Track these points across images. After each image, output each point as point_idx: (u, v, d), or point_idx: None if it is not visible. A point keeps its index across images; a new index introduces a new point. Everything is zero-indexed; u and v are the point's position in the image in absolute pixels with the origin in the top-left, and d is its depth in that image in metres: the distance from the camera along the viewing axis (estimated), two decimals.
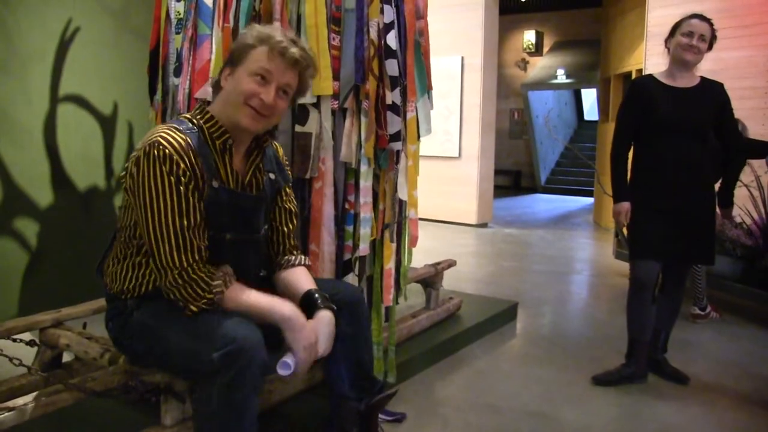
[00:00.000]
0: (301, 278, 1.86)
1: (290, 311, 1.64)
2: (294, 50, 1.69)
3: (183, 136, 1.64)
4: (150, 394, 2.06)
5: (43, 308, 2.48)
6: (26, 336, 2.35)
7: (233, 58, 1.72)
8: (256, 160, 1.82)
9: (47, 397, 1.83)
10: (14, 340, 2.28)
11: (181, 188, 1.60)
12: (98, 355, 2.06)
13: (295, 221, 1.98)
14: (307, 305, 1.75)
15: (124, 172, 1.68)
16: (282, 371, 1.60)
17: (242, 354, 1.50)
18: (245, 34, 1.74)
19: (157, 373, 1.85)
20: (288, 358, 1.61)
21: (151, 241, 1.59)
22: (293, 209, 1.98)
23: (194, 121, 1.72)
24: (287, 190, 1.97)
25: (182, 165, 1.60)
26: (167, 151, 1.59)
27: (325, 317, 1.72)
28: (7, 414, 1.71)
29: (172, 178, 1.59)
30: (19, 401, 1.80)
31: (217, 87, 1.77)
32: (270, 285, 1.90)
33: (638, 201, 2.82)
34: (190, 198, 1.61)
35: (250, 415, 1.56)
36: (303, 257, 1.95)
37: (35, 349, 2.37)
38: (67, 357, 2.43)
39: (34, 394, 1.87)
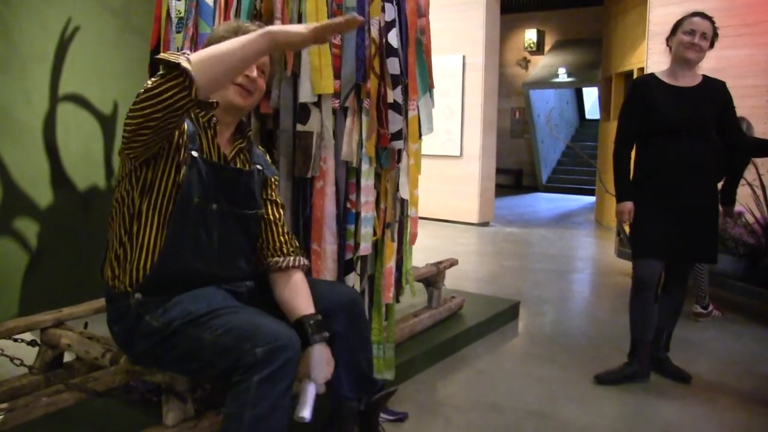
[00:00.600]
0: (295, 293, 1.84)
1: (265, 28, 1.53)
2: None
3: None
4: (151, 394, 2.07)
5: (43, 308, 2.48)
6: (27, 336, 2.34)
7: None
8: (240, 144, 1.90)
9: (48, 397, 1.83)
10: (15, 340, 2.28)
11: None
12: (99, 355, 2.05)
13: (281, 211, 2.00)
14: (300, 332, 1.74)
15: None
16: (304, 414, 1.65)
17: (287, 350, 1.54)
18: (217, 29, 1.87)
19: (159, 373, 1.84)
20: (307, 385, 1.67)
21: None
22: (279, 201, 2.01)
23: None
24: (274, 184, 2.00)
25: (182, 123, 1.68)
26: None
27: (316, 353, 1.71)
28: (8, 414, 1.70)
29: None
30: (20, 401, 1.79)
31: None
32: (264, 285, 1.91)
33: (641, 200, 2.81)
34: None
35: (283, 412, 1.56)
36: (295, 258, 1.92)
37: (36, 349, 2.37)
38: (68, 357, 2.42)
39: (36, 394, 1.87)
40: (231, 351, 1.57)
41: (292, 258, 1.91)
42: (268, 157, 2.06)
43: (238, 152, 1.88)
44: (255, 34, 1.50)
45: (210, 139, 1.81)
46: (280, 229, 1.96)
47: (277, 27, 1.53)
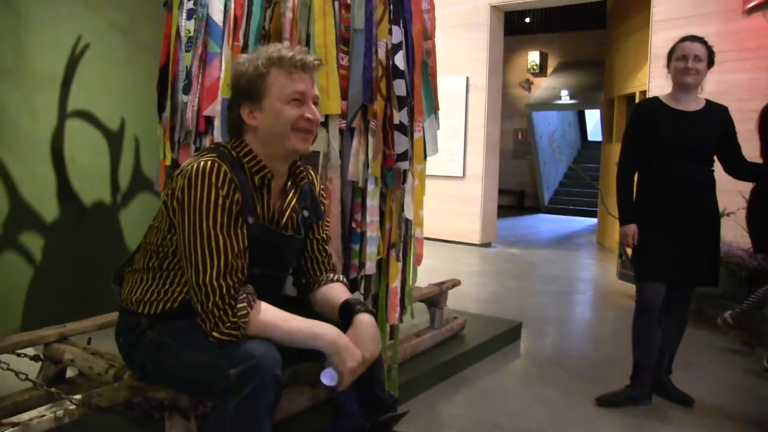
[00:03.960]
0: (338, 291, 1.88)
1: (334, 335, 1.64)
2: (306, 57, 1.71)
3: (228, 166, 1.65)
4: (154, 411, 2.06)
5: (47, 323, 2.48)
6: (30, 351, 2.34)
7: (250, 94, 1.71)
8: (293, 201, 1.85)
9: (52, 412, 1.82)
10: (18, 355, 2.28)
11: (233, 211, 1.62)
12: (103, 370, 2.05)
13: (327, 248, 1.99)
14: (345, 313, 1.77)
15: (167, 190, 1.68)
16: (326, 381, 1.62)
17: (259, 372, 1.51)
18: (244, 65, 1.72)
19: (162, 389, 1.85)
20: (332, 369, 1.64)
21: (197, 260, 1.58)
22: (326, 237, 1.99)
23: (233, 153, 1.73)
24: (321, 226, 1.98)
25: (236, 194, 1.63)
26: (224, 176, 1.61)
27: (363, 321, 1.72)
28: (11, 429, 1.70)
29: (227, 201, 1.61)
30: (24, 416, 1.79)
31: (238, 126, 1.76)
32: (302, 306, 1.91)
33: (644, 223, 2.82)
34: (240, 222, 1.65)
35: (266, 430, 1.55)
36: (341, 275, 1.98)
37: (39, 364, 2.37)
38: (70, 372, 2.42)
39: (39, 409, 1.86)
40: (209, 369, 1.56)
41: (339, 275, 1.96)
42: (317, 187, 2.00)
43: (291, 212, 1.83)
44: (326, 340, 1.62)
45: (264, 201, 1.76)
46: (325, 266, 1.97)
47: (339, 347, 1.62)
